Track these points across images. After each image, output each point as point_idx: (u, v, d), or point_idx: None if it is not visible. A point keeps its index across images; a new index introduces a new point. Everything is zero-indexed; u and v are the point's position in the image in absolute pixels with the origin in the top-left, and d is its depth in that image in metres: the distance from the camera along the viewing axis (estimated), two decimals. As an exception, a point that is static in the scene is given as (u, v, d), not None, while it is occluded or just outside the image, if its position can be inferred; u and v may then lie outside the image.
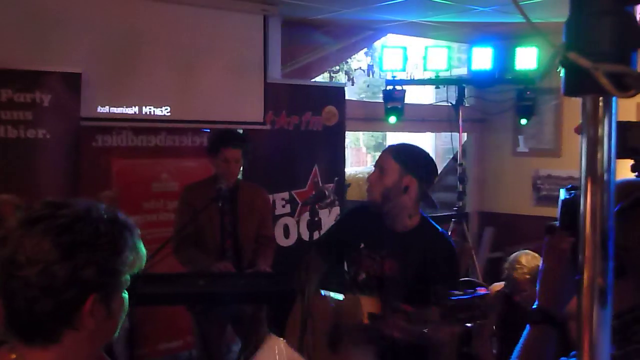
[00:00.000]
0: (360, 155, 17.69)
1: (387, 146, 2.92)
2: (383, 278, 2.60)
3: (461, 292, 2.12)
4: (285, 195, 5.53)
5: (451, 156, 8.81)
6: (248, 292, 3.23)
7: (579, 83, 0.73)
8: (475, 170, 7.69)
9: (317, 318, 2.63)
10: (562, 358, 1.26)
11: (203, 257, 3.80)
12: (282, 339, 1.70)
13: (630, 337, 1.20)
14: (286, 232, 5.57)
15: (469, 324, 2.08)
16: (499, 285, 3.73)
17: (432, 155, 10.05)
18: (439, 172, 9.97)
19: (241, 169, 4.05)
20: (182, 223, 3.81)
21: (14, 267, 1.16)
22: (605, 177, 0.73)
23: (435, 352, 2.43)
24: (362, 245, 2.66)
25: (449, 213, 6.71)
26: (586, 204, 0.74)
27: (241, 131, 5.20)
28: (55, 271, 1.16)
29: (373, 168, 2.69)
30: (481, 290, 2.16)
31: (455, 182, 6.73)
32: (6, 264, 1.17)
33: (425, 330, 2.34)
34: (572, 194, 1.18)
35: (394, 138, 14.46)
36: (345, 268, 2.78)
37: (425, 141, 12.06)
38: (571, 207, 1.16)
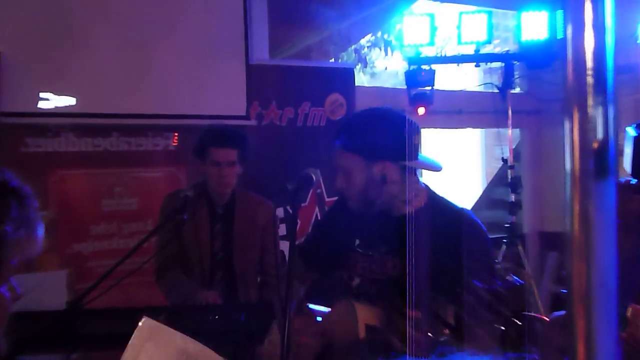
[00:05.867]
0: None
1: (338, 134, 2.64)
2: (385, 281, 2.50)
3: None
4: (280, 212, 5.44)
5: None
6: (221, 329, 3.13)
7: None
8: (532, 177, 7.59)
9: (301, 339, 2.54)
10: None
11: (188, 283, 3.82)
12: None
13: None
14: (283, 262, 5.46)
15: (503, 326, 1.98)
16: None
17: (481, 159, 9.90)
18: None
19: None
20: (159, 242, 3.85)
21: None
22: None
23: None
24: (357, 242, 2.59)
25: (499, 236, 6.60)
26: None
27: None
28: None
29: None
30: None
31: (507, 193, 6.63)
32: None
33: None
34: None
35: (426, 140, 14.48)
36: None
37: (471, 139, 11.96)
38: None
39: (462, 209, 2.60)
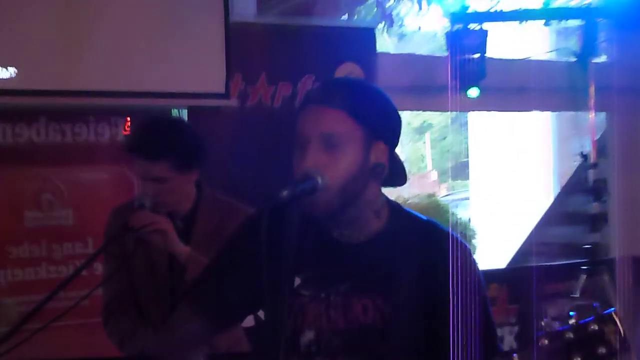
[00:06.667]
0: (426, 185, 17.55)
1: (314, 88, 2.58)
2: (358, 332, 2.45)
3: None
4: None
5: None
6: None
7: None
8: (623, 180, 7.59)
9: None
10: None
11: (142, 331, 3.80)
12: None
13: None
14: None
15: None
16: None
17: (553, 155, 10.00)
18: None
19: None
20: (106, 271, 3.92)
21: None
22: None
23: None
24: (299, 281, 2.52)
25: (576, 261, 6.61)
26: None
27: (185, 112, 5.14)
28: None
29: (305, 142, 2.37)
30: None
31: (587, 203, 6.64)
32: None
33: None
34: None
35: (479, 139, 14.36)
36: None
37: (538, 128, 11.95)
38: None
39: (434, 224, 2.55)
